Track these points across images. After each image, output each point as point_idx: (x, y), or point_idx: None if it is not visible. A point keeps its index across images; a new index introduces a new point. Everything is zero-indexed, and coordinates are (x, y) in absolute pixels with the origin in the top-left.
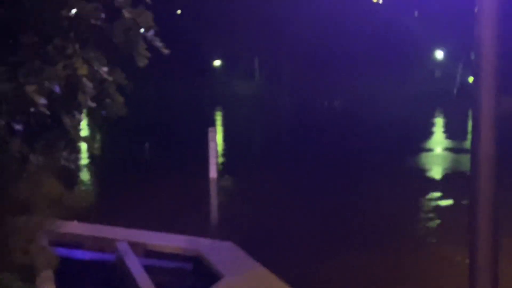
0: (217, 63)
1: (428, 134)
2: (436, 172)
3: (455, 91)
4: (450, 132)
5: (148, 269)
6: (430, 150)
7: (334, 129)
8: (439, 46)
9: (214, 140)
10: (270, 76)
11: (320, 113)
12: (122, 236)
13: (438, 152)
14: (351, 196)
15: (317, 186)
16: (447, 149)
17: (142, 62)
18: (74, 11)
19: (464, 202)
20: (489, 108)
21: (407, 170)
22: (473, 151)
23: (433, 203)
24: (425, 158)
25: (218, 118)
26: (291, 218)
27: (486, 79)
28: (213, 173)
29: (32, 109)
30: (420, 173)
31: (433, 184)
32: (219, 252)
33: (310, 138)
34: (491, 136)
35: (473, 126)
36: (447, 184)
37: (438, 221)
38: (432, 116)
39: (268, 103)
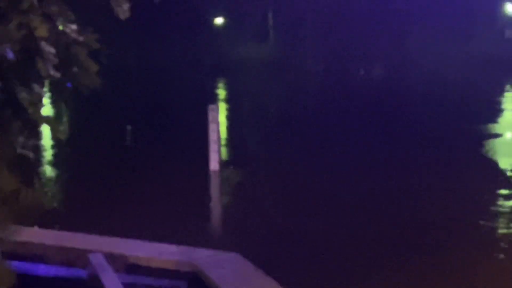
0: (219, 21)
1: (497, 112)
2: (506, 165)
3: None
4: None
5: None
6: (498, 135)
7: (372, 106)
8: None
9: (216, 122)
10: (287, 36)
11: (354, 85)
12: (97, 246)
13: (509, 138)
14: (394, 195)
15: (351, 181)
16: None
17: (123, 14)
18: None
19: None
20: None
21: (469, 161)
22: None
23: (503, 205)
24: (492, 146)
25: (221, 91)
26: (316, 222)
27: None
28: (214, 164)
29: None
30: (487, 166)
31: (503, 182)
32: (222, 266)
33: (342, 119)
34: None
35: None
36: None
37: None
38: (502, 88)
39: (286, 71)
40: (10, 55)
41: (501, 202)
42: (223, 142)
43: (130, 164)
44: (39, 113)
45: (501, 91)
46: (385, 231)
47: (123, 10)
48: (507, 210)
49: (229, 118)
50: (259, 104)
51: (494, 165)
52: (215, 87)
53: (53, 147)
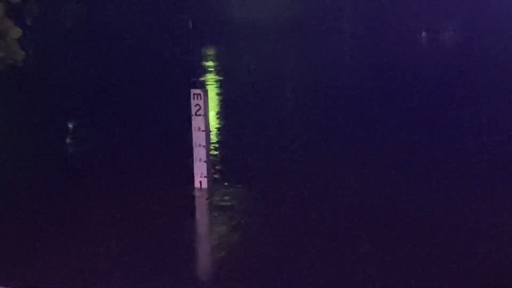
0: None
1: None
2: None
3: None
4: None
5: None
6: None
7: (443, 90)
8: None
9: (203, 114)
10: None
11: (413, 53)
12: None
13: None
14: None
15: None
16: None
17: None
18: None
19: None
20: None
21: None
22: None
23: None
24: None
25: (210, 68)
26: (343, 258)
27: None
28: (200, 179)
29: None
30: None
31: None
32: None
33: (394, 109)
34: None
35: None
36: None
37: None
38: None
39: (313, 32)
40: None
41: None
42: (214, 145)
43: (75, 179)
44: None
45: None
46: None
47: None
48: None
49: (223, 108)
50: (272, 85)
51: None
52: (203, 59)
53: None
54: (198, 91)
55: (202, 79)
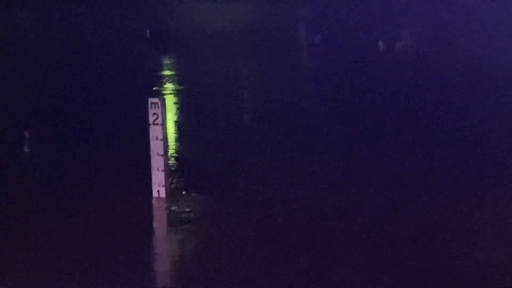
0: None
1: None
2: None
3: None
4: None
5: None
6: None
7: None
8: None
9: (161, 123)
10: None
11: (369, 63)
12: None
13: None
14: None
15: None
16: None
17: None
18: None
19: None
20: None
21: None
22: None
23: None
24: None
25: (168, 77)
26: (310, 264)
27: None
28: (158, 188)
29: None
30: None
31: None
32: None
33: (351, 116)
34: None
35: None
36: None
37: None
38: None
39: (271, 40)
40: None
41: None
42: (172, 154)
43: (27, 191)
44: None
45: None
46: None
47: None
48: None
49: (182, 116)
50: (230, 93)
51: None
52: (160, 68)
53: None
54: (155, 100)
55: (160, 88)
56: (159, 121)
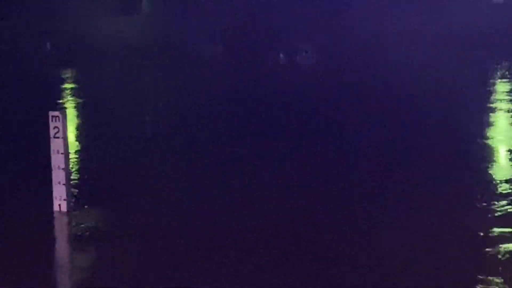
0: None
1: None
2: None
3: None
4: None
5: None
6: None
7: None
8: None
9: (62, 137)
10: (170, 7)
11: (272, 76)
12: None
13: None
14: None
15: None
16: None
17: None
18: None
19: None
20: None
21: None
22: None
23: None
24: None
25: (70, 90)
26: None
27: None
28: (59, 202)
29: None
30: None
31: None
32: None
33: (257, 123)
34: None
35: None
36: None
37: None
38: None
39: (169, 57)
40: None
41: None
42: (73, 167)
43: None
44: None
45: None
46: None
47: None
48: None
49: (84, 130)
50: (132, 106)
51: None
52: (61, 82)
53: None
54: (56, 113)
55: (61, 101)
56: (60, 134)
